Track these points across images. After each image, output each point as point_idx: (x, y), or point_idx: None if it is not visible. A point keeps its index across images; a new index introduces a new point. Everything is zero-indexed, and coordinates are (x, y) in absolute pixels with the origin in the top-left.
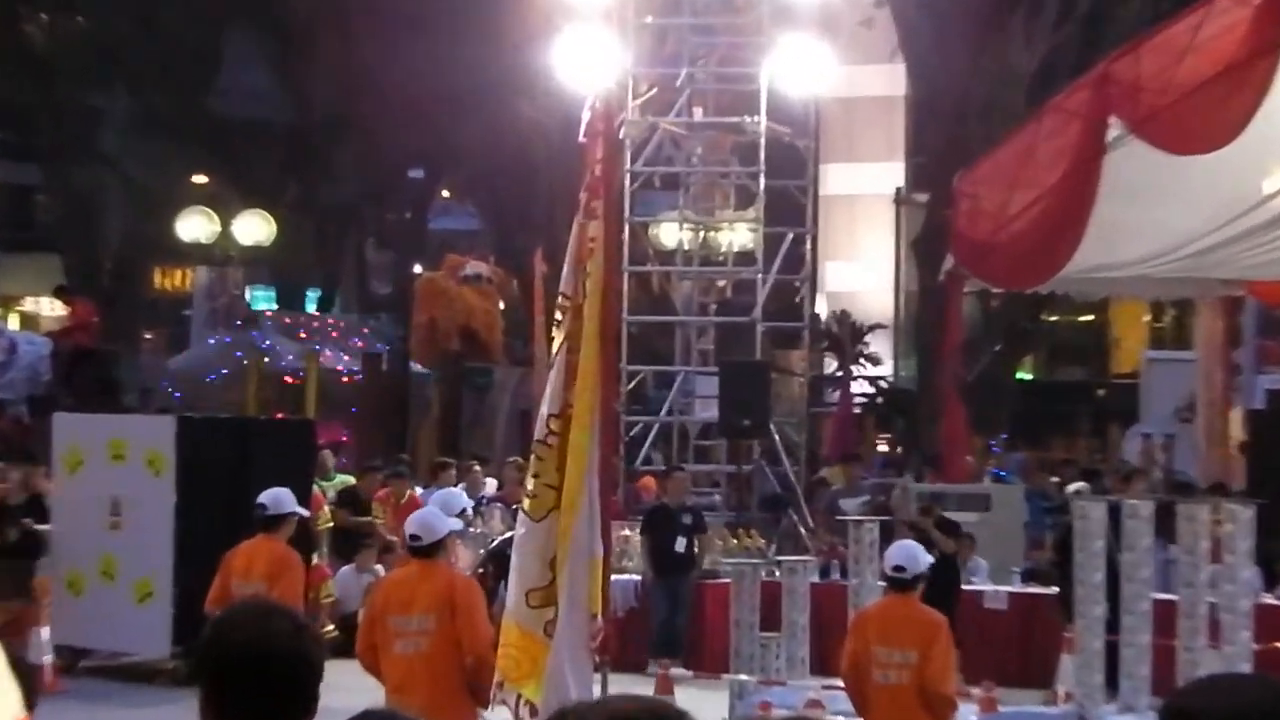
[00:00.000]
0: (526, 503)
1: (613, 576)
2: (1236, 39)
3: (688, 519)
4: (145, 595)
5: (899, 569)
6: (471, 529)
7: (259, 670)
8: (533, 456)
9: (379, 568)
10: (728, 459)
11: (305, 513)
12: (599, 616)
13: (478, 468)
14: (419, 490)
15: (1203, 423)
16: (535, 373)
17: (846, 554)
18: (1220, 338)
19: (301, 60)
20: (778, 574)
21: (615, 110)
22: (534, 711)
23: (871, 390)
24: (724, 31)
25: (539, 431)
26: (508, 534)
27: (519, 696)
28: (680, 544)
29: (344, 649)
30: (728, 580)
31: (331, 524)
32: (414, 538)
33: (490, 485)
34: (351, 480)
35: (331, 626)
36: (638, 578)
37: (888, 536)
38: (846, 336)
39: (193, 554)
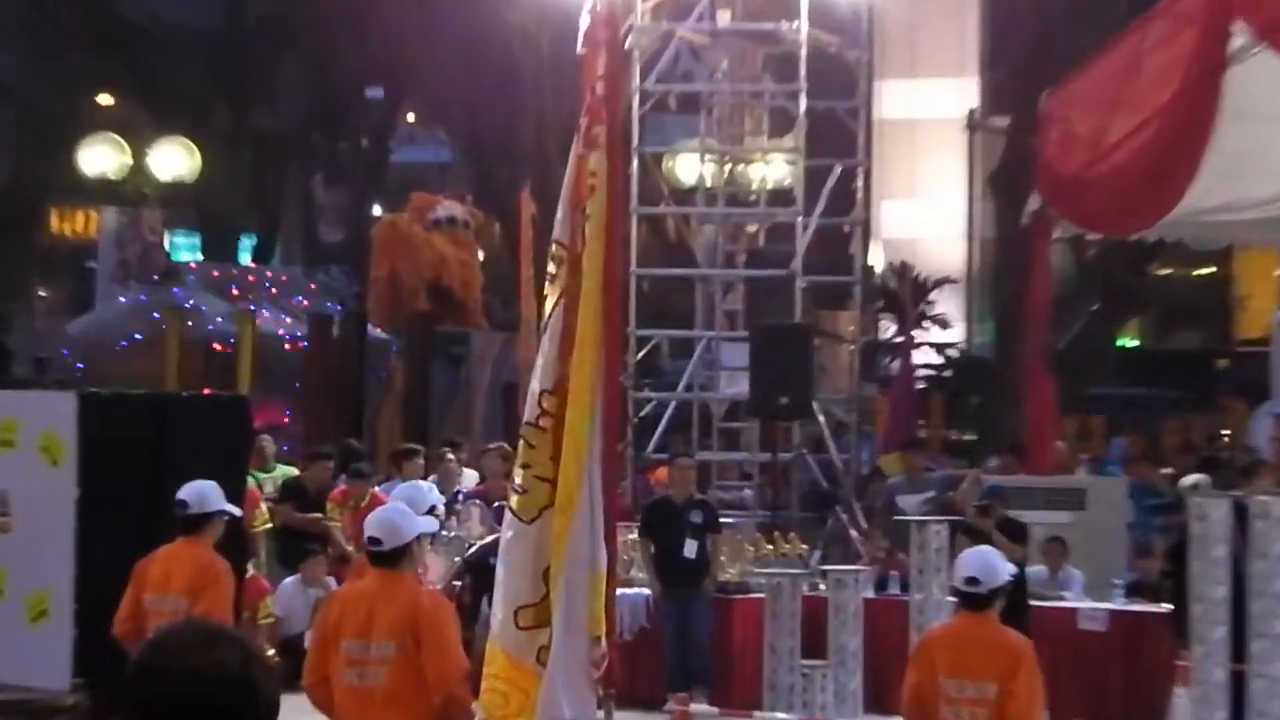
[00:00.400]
0: (514, 499)
1: (619, 591)
2: None
3: (697, 516)
4: (39, 614)
5: (972, 581)
6: (445, 531)
7: (202, 711)
8: (521, 442)
9: (331, 580)
10: (761, 446)
11: (237, 511)
12: (603, 640)
13: (451, 456)
14: (379, 487)
15: None
16: (523, 339)
17: (908, 563)
18: None
19: None
20: (823, 587)
21: (621, 15)
22: None
23: (938, 360)
24: None
25: (529, 412)
26: (490, 538)
27: None
28: (689, 547)
29: (288, 680)
30: (760, 595)
31: (270, 525)
32: (373, 541)
33: (469, 478)
34: (295, 472)
35: (272, 652)
36: (649, 592)
37: (973, 542)
38: (907, 294)
39: (98, 562)
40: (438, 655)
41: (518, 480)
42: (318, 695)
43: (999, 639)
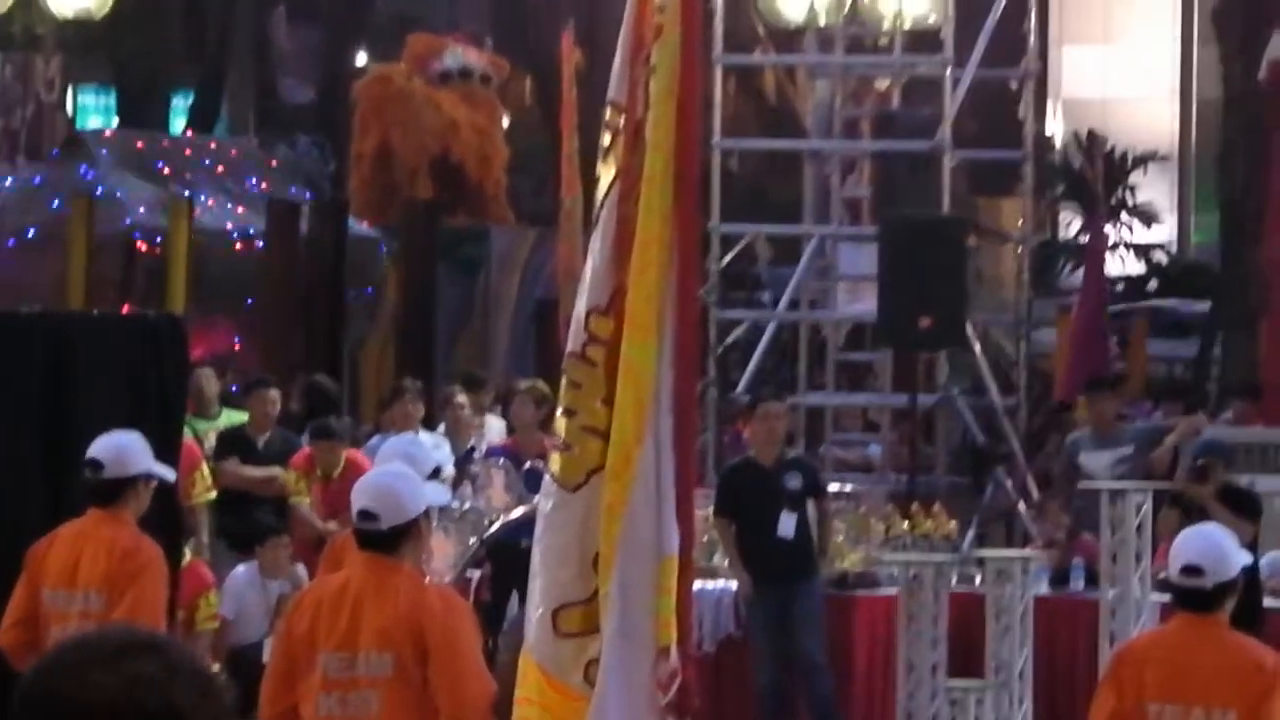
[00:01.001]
0: (555, 460)
1: (697, 585)
2: None
3: (793, 480)
4: None
5: (1194, 572)
6: (456, 503)
7: None
8: (563, 381)
9: (299, 570)
10: (894, 385)
11: (169, 475)
12: (673, 652)
13: (463, 399)
14: (367, 445)
15: None
16: (563, 238)
17: (1096, 547)
18: None
19: None
20: (979, 580)
21: None
22: None
23: (1142, 268)
24: None
25: (573, 339)
26: (519, 512)
27: None
28: (786, 524)
29: (241, 708)
30: (892, 591)
31: (214, 495)
32: (366, 516)
33: (492, 429)
34: (244, 418)
35: (217, 668)
36: (736, 587)
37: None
38: (1098, 176)
39: None
40: (454, 675)
41: (561, 432)
42: None
43: (1237, 651)
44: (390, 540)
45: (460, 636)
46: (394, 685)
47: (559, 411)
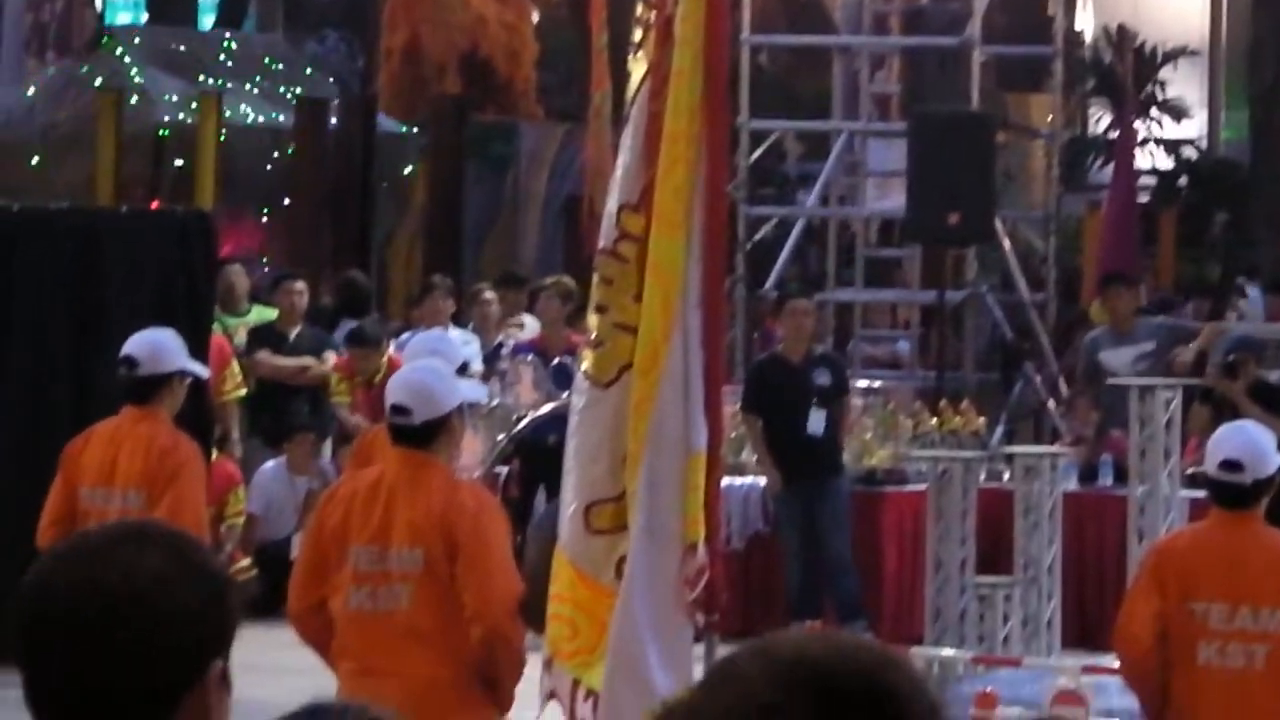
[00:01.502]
0: (587, 356)
1: (725, 481)
2: None
3: (823, 377)
4: None
5: (1233, 467)
6: (484, 399)
7: (96, 641)
8: (595, 277)
9: (327, 466)
10: (923, 282)
11: (204, 372)
12: (701, 548)
13: (491, 295)
14: (393, 342)
15: None
16: (593, 134)
17: (1124, 443)
18: None
19: None
20: (1007, 476)
21: None
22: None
23: (1170, 164)
24: None
25: (605, 235)
26: (547, 408)
27: (575, 683)
28: (815, 421)
29: (267, 602)
30: (921, 487)
31: (244, 392)
32: (399, 411)
33: (531, 328)
34: (274, 314)
35: (247, 562)
36: (764, 483)
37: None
38: (1128, 71)
39: (8, 445)
40: (481, 573)
41: (592, 329)
42: (309, 625)
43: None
44: (423, 435)
45: (490, 535)
46: (424, 581)
47: (590, 308)
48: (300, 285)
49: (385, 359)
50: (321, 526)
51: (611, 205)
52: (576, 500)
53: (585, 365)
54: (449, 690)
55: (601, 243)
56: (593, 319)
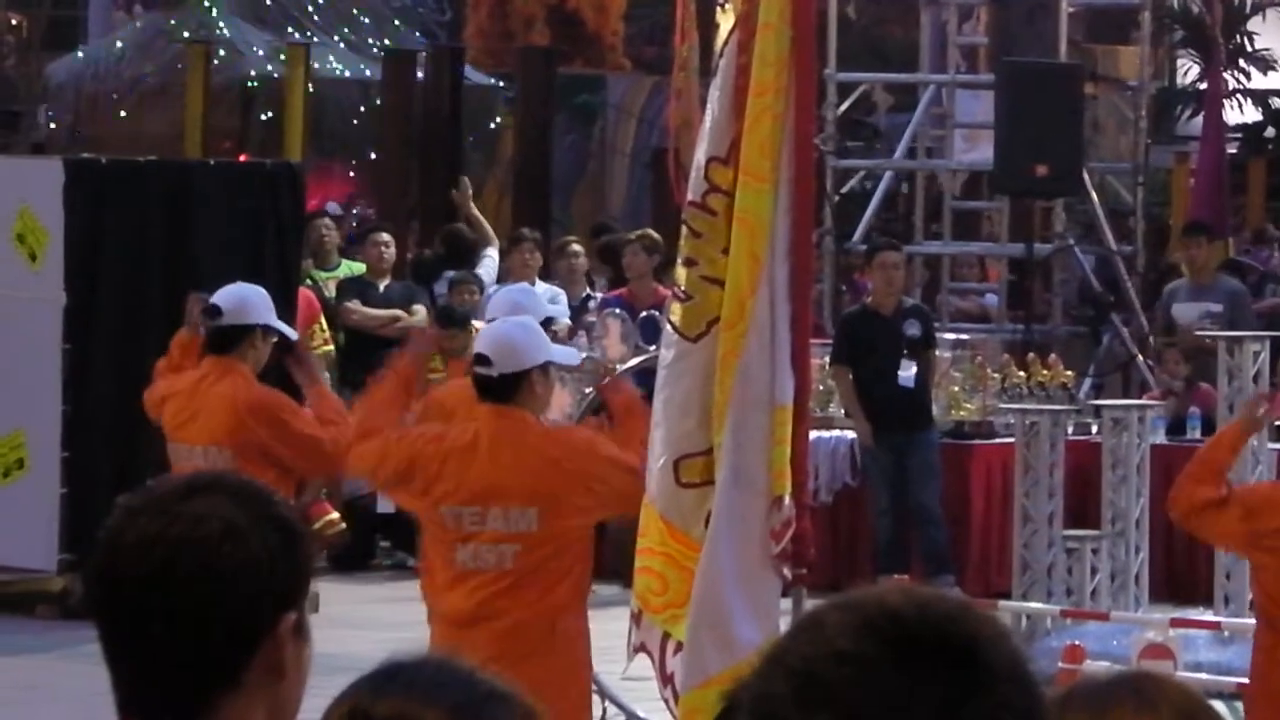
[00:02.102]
0: (676, 310)
1: (813, 434)
2: None
3: (914, 328)
4: (13, 466)
5: None
6: (575, 361)
7: (164, 592)
8: (684, 230)
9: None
10: (1011, 234)
11: (291, 334)
12: (787, 501)
13: (578, 247)
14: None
15: None
16: (683, 85)
17: (1214, 396)
18: None
19: None
20: (1095, 429)
21: None
22: None
23: (1259, 115)
24: None
25: (693, 188)
26: (635, 361)
27: (665, 637)
28: (906, 372)
29: (355, 557)
30: (1008, 440)
31: (331, 348)
32: (481, 360)
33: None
34: (363, 268)
35: (335, 515)
36: (853, 436)
37: None
38: (1216, 22)
39: (94, 396)
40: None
41: (680, 282)
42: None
43: None
44: (501, 387)
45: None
46: (533, 540)
47: (679, 261)
48: (386, 237)
49: (472, 336)
50: (420, 454)
51: (700, 158)
52: (666, 454)
53: (674, 319)
54: (535, 633)
55: (690, 195)
56: (681, 272)
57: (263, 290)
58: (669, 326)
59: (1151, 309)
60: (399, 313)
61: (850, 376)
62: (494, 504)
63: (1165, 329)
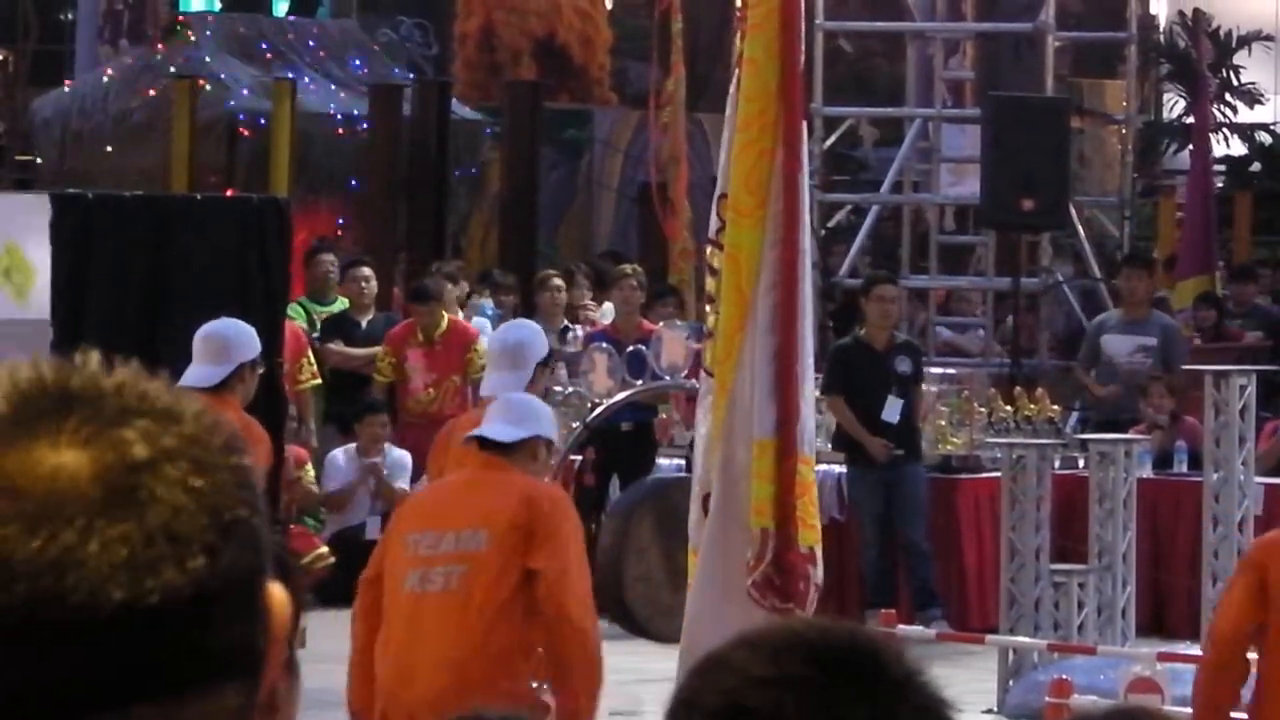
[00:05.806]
0: (706, 348)
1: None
2: None
3: (904, 364)
4: None
5: None
6: (557, 387)
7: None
8: (708, 268)
9: (395, 449)
10: (997, 268)
11: (281, 366)
12: (767, 534)
13: (559, 282)
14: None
15: None
16: (670, 119)
17: (1200, 429)
18: None
19: None
20: (1083, 463)
21: None
22: None
23: (1244, 150)
24: None
25: (713, 226)
26: (621, 395)
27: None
28: (892, 408)
29: (342, 589)
30: (995, 474)
31: (319, 381)
32: (484, 440)
33: (607, 312)
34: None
35: (325, 550)
36: (840, 470)
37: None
38: (1203, 56)
39: None
40: (555, 569)
41: (710, 320)
42: (363, 598)
43: None
44: (503, 450)
45: (563, 529)
46: (479, 566)
47: (709, 301)
48: (368, 271)
49: (448, 318)
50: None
51: (716, 194)
52: (697, 487)
53: (705, 358)
54: (487, 660)
55: (710, 233)
56: (707, 309)
57: (242, 324)
58: (704, 370)
59: None
60: (378, 350)
61: (844, 404)
62: (447, 529)
63: (1090, 358)
